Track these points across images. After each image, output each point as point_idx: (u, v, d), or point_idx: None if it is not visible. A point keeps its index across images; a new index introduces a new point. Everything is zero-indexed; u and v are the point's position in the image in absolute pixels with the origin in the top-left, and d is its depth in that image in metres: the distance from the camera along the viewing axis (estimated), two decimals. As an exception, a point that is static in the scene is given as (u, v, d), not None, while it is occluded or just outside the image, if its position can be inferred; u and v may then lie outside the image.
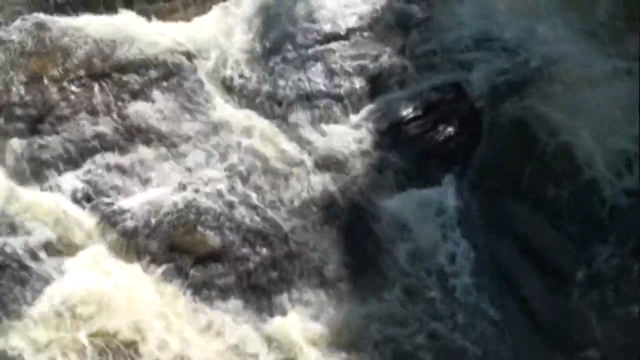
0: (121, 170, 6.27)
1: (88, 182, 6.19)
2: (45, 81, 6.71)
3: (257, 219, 6.11)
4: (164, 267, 5.82)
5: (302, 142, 6.57)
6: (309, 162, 6.45)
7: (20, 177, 6.24)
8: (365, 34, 7.32)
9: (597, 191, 6.16)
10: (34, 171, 6.28)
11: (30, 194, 6.11)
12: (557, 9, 7.60)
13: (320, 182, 6.34)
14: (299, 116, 6.78)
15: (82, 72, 6.77)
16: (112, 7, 7.33)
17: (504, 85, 6.90)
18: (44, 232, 5.80)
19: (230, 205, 6.14)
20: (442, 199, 6.40)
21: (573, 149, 6.38)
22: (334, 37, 7.25)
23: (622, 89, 6.82)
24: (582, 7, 7.63)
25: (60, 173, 6.27)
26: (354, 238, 6.20)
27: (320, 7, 7.42)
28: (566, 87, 6.92)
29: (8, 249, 5.64)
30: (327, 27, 7.30)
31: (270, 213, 6.16)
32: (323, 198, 6.30)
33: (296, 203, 6.24)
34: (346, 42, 7.25)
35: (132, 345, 5.36)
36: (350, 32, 7.30)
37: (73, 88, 6.71)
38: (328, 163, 6.47)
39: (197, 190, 6.15)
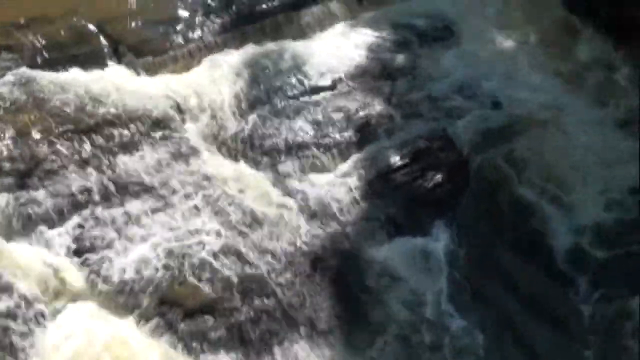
0: (110, 223, 6.22)
1: (76, 237, 6.14)
2: (34, 135, 6.70)
3: (247, 270, 6.08)
4: (154, 321, 5.75)
5: (291, 192, 6.58)
6: (298, 212, 6.45)
7: (7, 232, 6.16)
8: (352, 84, 7.42)
9: (585, 236, 6.24)
10: (22, 226, 6.21)
11: (17, 249, 6.05)
12: (539, 56, 7.77)
13: (309, 232, 6.34)
14: (288, 166, 6.80)
15: (70, 127, 6.77)
16: (101, 61, 7.40)
17: (489, 133, 7.02)
18: (31, 289, 5.72)
19: (220, 257, 6.10)
20: (432, 247, 6.41)
21: (559, 196, 6.47)
22: (321, 88, 7.35)
23: (610, 137, 6.96)
24: (563, 53, 7.81)
25: (48, 228, 6.21)
26: (344, 288, 6.17)
27: (307, 58, 7.53)
28: (551, 133, 7.03)
29: (-5, 306, 5.57)
30: (314, 78, 7.41)
31: (260, 264, 6.13)
32: (313, 248, 6.30)
33: (286, 253, 6.22)
34: (333, 93, 7.34)
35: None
36: (337, 82, 7.40)
37: (61, 142, 6.69)
38: (317, 212, 6.48)
39: (186, 243, 6.12)
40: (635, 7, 7.66)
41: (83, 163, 6.58)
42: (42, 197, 6.34)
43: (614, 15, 7.78)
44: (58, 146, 6.67)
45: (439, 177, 6.81)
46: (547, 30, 7.98)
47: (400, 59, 7.66)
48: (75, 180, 6.45)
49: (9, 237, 6.13)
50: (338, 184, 6.70)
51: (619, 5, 7.77)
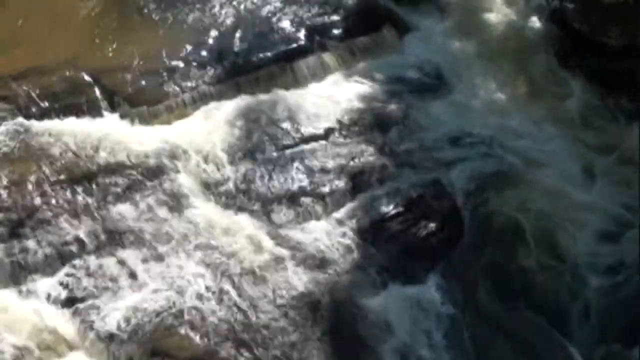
0: (102, 273, 6.19)
1: (68, 287, 6.10)
2: (27, 185, 6.72)
3: (240, 320, 6.02)
4: (146, 372, 5.69)
5: (285, 241, 6.55)
6: (291, 261, 6.42)
7: (-2, 281, 6.14)
8: (345, 133, 7.46)
9: (582, 285, 6.24)
10: (13, 276, 6.19)
11: (8, 300, 6.00)
12: (530, 106, 7.86)
13: (303, 282, 6.29)
14: (281, 215, 6.80)
15: (64, 176, 6.80)
16: (95, 111, 7.46)
17: (482, 181, 7.04)
18: (21, 340, 5.66)
19: (213, 307, 6.06)
20: (426, 296, 6.37)
21: (555, 245, 6.49)
22: (314, 137, 7.39)
23: (603, 184, 7.02)
24: (553, 104, 7.91)
25: (39, 278, 6.18)
26: (338, 338, 6.10)
27: (300, 108, 7.59)
28: (544, 182, 7.07)
29: (-17, 359, 5.50)
30: (308, 128, 7.45)
31: (253, 314, 6.08)
32: (306, 297, 6.24)
33: (279, 303, 6.17)
34: (326, 142, 7.37)
35: None
36: (329, 131, 7.44)
37: (55, 192, 6.71)
38: (311, 262, 6.44)
39: (179, 292, 6.09)
40: (626, 59, 7.81)
41: (76, 212, 6.59)
42: (34, 246, 6.33)
43: (605, 67, 7.91)
44: (51, 196, 6.69)
45: (432, 226, 6.81)
46: (538, 80, 8.09)
47: (392, 109, 7.72)
48: (67, 230, 6.45)
49: (-1, 286, 6.09)
50: (331, 233, 6.67)
51: (609, 57, 7.91)
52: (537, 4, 8.58)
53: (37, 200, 6.63)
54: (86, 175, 6.83)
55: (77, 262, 6.27)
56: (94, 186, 6.76)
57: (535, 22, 8.48)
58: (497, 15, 8.65)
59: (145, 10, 8.56)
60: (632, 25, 8.07)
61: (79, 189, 6.74)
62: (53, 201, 6.66)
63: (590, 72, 8.00)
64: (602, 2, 8.45)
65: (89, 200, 6.70)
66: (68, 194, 6.72)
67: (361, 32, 8.37)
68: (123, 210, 6.62)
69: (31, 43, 7.99)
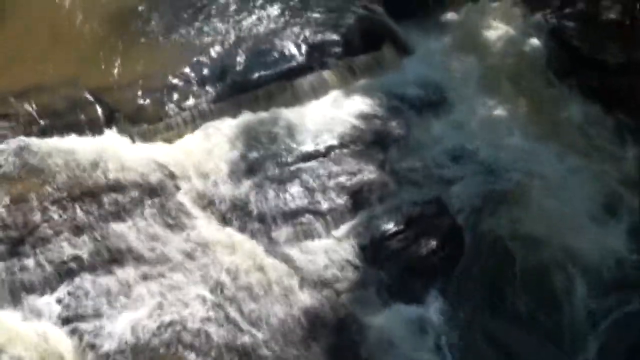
0: (101, 291, 6.18)
1: (67, 305, 6.09)
2: (28, 203, 6.71)
3: (240, 339, 6.00)
4: (144, 390, 5.66)
5: (285, 260, 6.54)
6: (291, 280, 6.40)
7: (-2, 300, 6.13)
8: (345, 151, 7.47)
9: (583, 303, 6.24)
10: (12, 294, 6.17)
11: (7, 318, 5.98)
12: (530, 123, 7.88)
13: (303, 300, 6.28)
14: (282, 233, 6.79)
15: (64, 194, 6.79)
16: (96, 129, 7.48)
17: (483, 199, 7.06)
18: (20, 358, 5.63)
19: (213, 325, 6.04)
20: (427, 314, 6.36)
21: (556, 263, 6.49)
22: (315, 155, 7.40)
23: (606, 198, 7.03)
24: (553, 120, 7.92)
25: (39, 296, 6.17)
26: (339, 356, 6.08)
27: (300, 126, 7.60)
28: (545, 199, 7.08)
29: (-17, 378, 5.48)
30: (308, 146, 7.46)
31: (253, 332, 6.05)
32: (307, 316, 6.22)
33: (280, 321, 6.15)
34: (327, 160, 7.38)
35: None
36: (330, 149, 7.46)
37: (55, 209, 6.70)
38: (311, 280, 6.43)
39: (178, 311, 6.06)
40: (624, 76, 7.85)
41: (76, 230, 6.58)
42: (33, 264, 6.32)
43: (604, 84, 7.94)
44: (51, 213, 6.68)
45: (433, 243, 6.81)
46: (538, 98, 8.12)
47: (392, 126, 7.74)
48: (67, 248, 6.44)
49: (-1, 305, 6.07)
50: (332, 251, 6.67)
51: (608, 74, 7.95)
52: (536, 22, 8.63)
53: (37, 218, 6.62)
54: (86, 193, 6.83)
55: (76, 280, 6.26)
56: (94, 204, 6.75)
57: (534, 40, 8.52)
58: (497, 33, 8.70)
59: (147, 29, 8.60)
60: (630, 42, 8.14)
61: (79, 207, 6.73)
62: (53, 219, 6.65)
63: (590, 89, 8.05)
64: (600, 20, 8.54)
65: (89, 218, 6.68)
66: (68, 211, 6.71)
67: (361, 51, 8.42)
68: (123, 228, 6.61)
69: (33, 62, 8.03)
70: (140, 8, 8.84)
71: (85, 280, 6.26)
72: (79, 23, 8.66)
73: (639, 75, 7.79)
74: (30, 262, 6.33)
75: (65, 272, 6.31)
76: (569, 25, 8.48)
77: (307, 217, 6.91)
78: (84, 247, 6.46)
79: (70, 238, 6.52)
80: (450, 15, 8.92)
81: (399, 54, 8.55)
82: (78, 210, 6.72)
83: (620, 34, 8.32)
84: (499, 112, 7.97)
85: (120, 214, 6.74)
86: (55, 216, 6.67)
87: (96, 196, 6.81)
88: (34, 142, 7.20)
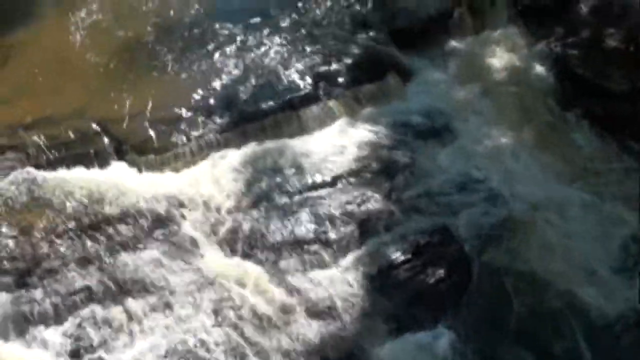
0: (109, 323, 6.18)
1: (74, 337, 6.09)
2: (35, 234, 6.75)
3: (248, 370, 5.98)
4: None
5: (293, 289, 6.53)
6: (299, 310, 6.38)
7: (4, 332, 6.12)
8: (352, 180, 7.48)
9: (589, 334, 6.19)
10: (19, 326, 6.17)
11: (15, 350, 5.97)
12: (535, 152, 7.88)
13: (311, 331, 6.25)
14: (289, 263, 6.78)
15: (72, 225, 6.83)
16: (104, 159, 7.53)
17: (489, 228, 7.02)
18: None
19: (220, 356, 6.01)
20: (435, 344, 6.30)
21: (562, 293, 6.45)
22: (321, 184, 7.42)
23: (611, 229, 7.00)
24: (558, 149, 7.92)
25: (46, 328, 6.18)
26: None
27: (306, 156, 7.63)
28: (550, 228, 7.06)
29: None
30: (314, 175, 7.48)
31: (261, 363, 6.04)
32: (315, 346, 6.20)
33: (288, 352, 6.13)
34: (333, 189, 7.39)
35: None
36: (336, 178, 7.47)
37: (62, 241, 6.74)
38: (318, 310, 6.41)
39: (186, 342, 6.05)
40: (629, 104, 7.86)
41: (83, 261, 6.60)
42: (41, 296, 6.34)
43: (608, 111, 7.96)
44: (59, 245, 6.71)
45: (440, 272, 6.78)
46: (543, 126, 8.13)
47: (398, 155, 7.75)
48: (75, 279, 6.46)
49: (6, 337, 6.08)
50: (339, 280, 6.65)
51: (613, 102, 7.97)
52: (540, 50, 8.67)
53: (45, 250, 6.66)
54: (94, 224, 6.86)
55: (84, 312, 6.26)
56: (101, 235, 6.78)
57: (538, 68, 8.56)
58: (501, 61, 8.74)
59: (154, 61, 8.68)
60: (634, 69, 8.15)
61: (87, 238, 6.76)
62: (60, 250, 6.68)
63: (594, 116, 8.05)
64: (604, 47, 8.56)
65: (96, 249, 6.71)
66: (75, 243, 6.74)
67: (366, 80, 8.46)
68: (130, 260, 6.63)
69: (42, 94, 8.12)
70: (147, 40, 8.94)
71: (92, 312, 6.26)
72: (88, 56, 8.75)
73: (644, 102, 7.82)
74: (37, 294, 6.35)
75: (72, 303, 6.31)
76: (572, 53, 8.51)
77: (314, 247, 6.90)
78: (91, 279, 6.48)
79: (77, 269, 6.55)
80: (454, 45, 8.97)
81: (404, 83, 8.59)
82: (85, 242, 6.75)
83: (624, 61, 8.33)
84: (505, 140, 7.97)
85: (127, 245, 6.76)
86: (63, 248, 6.70)
87: (103, 227, 6.84)
88: (42, 173, 7.26)
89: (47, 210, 6.93)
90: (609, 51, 8.52)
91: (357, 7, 9.25)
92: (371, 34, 8.92)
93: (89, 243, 6.76)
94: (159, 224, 6.93)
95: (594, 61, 8.39)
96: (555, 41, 8.66)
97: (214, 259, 6.71)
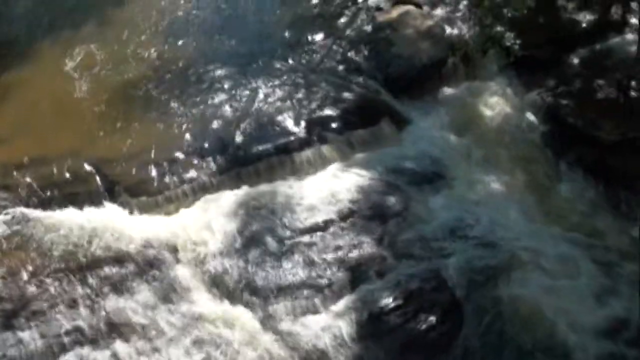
0: (97, 367, 6.10)
1: (61, 380, 5.99)
2: (24, 275, 6.70)
3: (236, 417, 5.88)
4: None
5: (283, 336, 6.46)
6: (289, 356, 6.31)
7: (-10, 375, 6.03)
8: (344, 225, 7.47)
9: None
10: (6, 368, 6.08)
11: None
12: (527, 196, 7.91)
13: (301, 377, 6.19)
14: (280, 308, 6.73)
15: (61, 266, 6.79)
16: (96, 200, 7.51)
17: (481, 274, 7.00)
18: None
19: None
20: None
21: (553, 341, 6.41)
22: (313, 228, 7.40)
23: (602, 278, 6.99)
24: (551, 193, 7.96)
25: (33, 370, 6.08)
26: None
27: (299, 200, 7.64)
28: (541, 274, 7.05)
29: None
30: (306, 219, 7.47)
31: (249, 411, 5.94)
32: (304, 394, 6.13)
33: (277, 400, 6.05)
34: (325, 234, 7.38)
35: None
36: (329, 223, 7.46)
37: (51, 282, 6.69)
38: (309, 356, 6.34)
39: (174, 387, 5.97)
40: (620, 153, 7.93)
41: (72, 303, 6.55)
42: (28, 338, 6.26)
43: (600, 160, 8.02)
44: (48, 286, 6.66)
45: (432, 319, 6.73)
46: (535, 174, 8.17)
47: (390, 200, 7.77)
48: (63, 322, 6.40)
49: (-9, 380, 5.97)
50: (330, 326, 6.59)
51: (604, 151, 8.04)
52: (533, 99, 8.76)
53: (33, 291, 6.61)
54: (83, 265, 6.82)
55: (71, 354, 6.19)
56: (91, 277, 6.74)
57: (531, 116, 8.64)
58: (494, 109, 8.82)
59: (148, 103, 8.75)
60: (624, 120, 8.24)
61: (76, 280, 6.71)
62: (49, 292, 6.62)
63: (586, 165, 8.11)
64: (595, 98, 8.68)
65: (86, 291, 6.65)
66: (64, 284, 6.69)
67: (360, 125, 8.52)
68: (119, 302, 6.57)
69: (35, 134, 8.15)
70: (142, 83, 9.01)
71: (80, 355, 6.19)
72: (82, 97, 8.82)
73: (634, 152, 7.87)
74: (24, 336, 6.27)
75: (60, 346, 6.25)
76: (564, 103, 8.61)
77: (306, 292, 6.86)
78: (79, 320, 6.41)
79: (65, 311, 6.48)
80: (448, 92, 9.07)
81: (397, 128, 8.65)
82: (75, 284, 6.70)
83: (614, 112, 8.44)
84: (497, 187, 8.01)
85: (117, 287, 6.71)
86: (52, 289, 6.64)
87: (93, 269, 6.80)
88: (33, 213, 7.24)
89: (37, 251, 6.90)
90: (599, 102, 8.63)
91: (352, 54, 9.37)
92: (365, 80, 9.03)
93: (78, 285, 6.70)
94: (150, 267, 6.89)
95: (585, 111, 8.49)
96: (547, 91, 8.77)
97: (204, 303, 6.65)
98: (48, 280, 6.69)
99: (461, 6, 9.91)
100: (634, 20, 9.50)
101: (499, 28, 9.38)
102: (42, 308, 6.48)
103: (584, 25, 9.59)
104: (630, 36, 9.34)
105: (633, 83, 8.75)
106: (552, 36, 9.40)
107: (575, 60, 9.14)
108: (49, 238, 7.00)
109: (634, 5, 9.63)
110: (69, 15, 10.23)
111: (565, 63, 9.11)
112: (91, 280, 6.70)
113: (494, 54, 9.25)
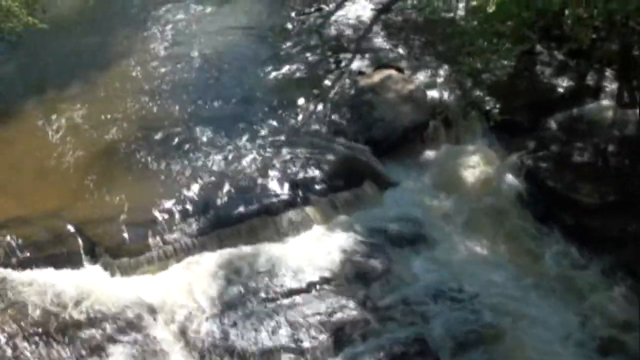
0: None
1: None
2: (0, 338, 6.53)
3: None
4: None
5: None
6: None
7: None
8: (327, 287, 7.43)
9: None
10: None
11: None
12: (508, 259, 7.95)
13: None
14: (261, 371, 6.63)
15: (39, 329, 6.64)
16: (77, 261, 7.42)
17: (465, 337, 7.00)
18: None
19: None
20: None
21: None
22: (296, 291, 7.35)
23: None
24: (532, 255, 8.02)
25: None
26: None
27: (282, 261, 7.60)
28: (523, 338, 7.02)
29: None
30: (289, 281, 7.42)
31: None
32: None
33: None
34: (308, 295, 7.33)
35: None
36: (312, 285, 7.42)
37: (28, 345, 6.53)
38: (291, 422, 6.22)
39: None
40: (599, 216, 8.02)
41: (48, 367, 6.37)
42: (1, 403, 6.06)
43: (579, 223, 8.10)
44: (24, 349, 6.50)
45: (417, 384, 6.67)
46: (515, 236, 8.24)
47: (373, 263, 7.76)
48: (38, 386, 6.21)
49: None
50: (312, 393, 6.50)
51: (583, 214, 8.13)
52: (513, 162, 8.89)
53: (8, 353, 6.42)
54: (62, 328, 6.68)
55: (45, 421, 6.00)
56: (69, 340, 6.60)
57: (511, 179, 8.74)
58: (475, 172, 8.93)
59: (131, 164, 8.73)
60: (602, 183, 8.37)
61: (54, 343, 6.56)
62: (25, 354, 6.44)
63: (566, 228, 8.20)
64: (574, 161, 8.82)
65: (63, 354, 6.50)
66: (41, 347, 6.54)
67: (343, 187, 8.58)
68: (98, 365, 6.43)
69: (17, 194, 8.08)
70: (125, 144, 9.01)
71: (55, 422, 6.00)
72: (64, 157, 8.79)
73: (612, 215, 7.97)
74: (-3, 401, 6.09)
75: (34, 412, 6.06)
76: (543, 166, 8.75)
77: (288, 355, 6.77)
78: (55, 385, 6.25)
79: (41, 375, 6.32)
80: (430, 155, 9.20)
81: (380, 190, 8.73)
82: (52, 346, 6.56)
83: (592, 175, 8.58)
84: (479, 249, 8.06)
85: (95, 349, 6.59)
86: (27, 352, 6.48)
87: (72, 331, 6.66)
88: (12, 274, 7.11)
89: (14, 313, 6.74)
90: (578, 165, 8.78)
91: (335, 117, 9.49)
92: (348, 142, 9.11)
93: (55, 347, 6.56)
94: (129, 328, 6.77)
95: (564, 174, 8.62)
96: (526, 154, 8.92)
97: (184, 366, 6.54)
98: (23, 343, 6.53)
99: (442, 71, 10.11)
100: (608, 87, 9.77)
101: (478, 93, 9.62)
102: (18, 372, 6.31)
103: (561, 91, 9.85)
104: (605, 102, 9.61)
105: (610, 147, 8.94)
106: (531, 101, 9.64)
107: (554, 125, 9.33)
108: (26, 300, 6.86)
109: (608, 73, 9.91)
110: (54, 77, 10.30)
111: (544, 127, 9.32)
112: (69, 343, 6.56)
113: (474, 117, 9.43)
